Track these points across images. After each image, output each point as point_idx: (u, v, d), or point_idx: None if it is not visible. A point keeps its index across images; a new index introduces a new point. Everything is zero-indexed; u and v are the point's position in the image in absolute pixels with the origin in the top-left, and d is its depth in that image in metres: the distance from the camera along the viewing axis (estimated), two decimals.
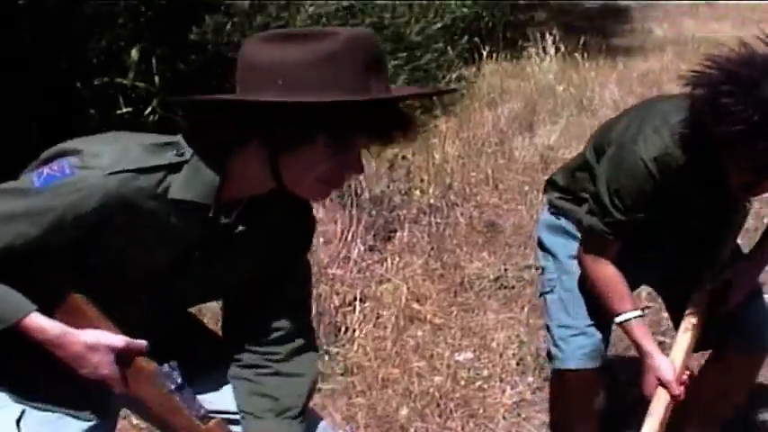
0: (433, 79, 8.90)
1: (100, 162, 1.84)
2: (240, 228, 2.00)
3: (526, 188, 6.69)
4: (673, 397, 2.85)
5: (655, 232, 2.97)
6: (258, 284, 2.14)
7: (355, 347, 4.36)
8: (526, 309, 4.83)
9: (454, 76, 9.39)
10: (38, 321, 1.88)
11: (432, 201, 6.17)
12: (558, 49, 10.97)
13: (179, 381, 1.96)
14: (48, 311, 1.90)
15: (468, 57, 10.39)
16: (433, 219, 5.89)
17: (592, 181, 2.97)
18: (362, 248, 5.35)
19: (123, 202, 1.85)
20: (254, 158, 1.88)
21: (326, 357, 4.24)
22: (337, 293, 4.79)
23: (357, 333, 4.48)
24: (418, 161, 6.83)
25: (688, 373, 2.91)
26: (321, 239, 5.28)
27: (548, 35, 11.20)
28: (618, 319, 2.95)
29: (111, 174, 1.83)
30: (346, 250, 5.29)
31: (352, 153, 1.87)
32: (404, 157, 6.73)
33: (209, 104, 1.98)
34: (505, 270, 5.38)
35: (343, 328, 4.51)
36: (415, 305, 4.83)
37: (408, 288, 4.92)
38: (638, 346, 2.94)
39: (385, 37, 8.25)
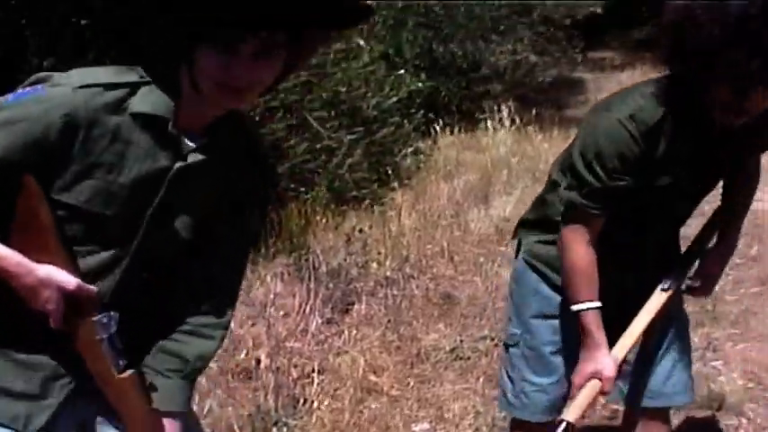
0: (389, 153, 9.01)
1: (69, 80, 1.93)
2: (200, 157, 2.05)
3: (481, 260, 6.79)
4: (603, 392, 2.85)
5: (637, 229, 2.94)
6: (204, 228, 2.17)
7: (314, 419, 4.41)
8: (482, 379, 4.90)
9: (410, 149, 9.50)
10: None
11: (388, 273, 6.25)
12: (513, 122, 11.18)
13: (111, 332, 2.04)
14: (16, 234, 1.98)
15: (424, 130, 10.52)
16: (389, 291, 5.96)
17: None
18: (320, 321, 5.43)
19: (88, 116, 1.92)
20: (185, 75, 1.96)
21: (285, 430, 4.29)
22: (295, 366, 4.85)
23: (315, 405, 4.53)
24: (375, 234, 6.92)
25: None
26: (280, 313, 5.36)
27: (503, 107, 11.40)
28: (576, 307, 2.88)
29: (78, 88, 1.92)
30: (304, 323, 5.36)
31: (236, 52, 1.87)
32: (360, 230, 6.83)
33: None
34: (461, 341, 5.44)
35: (301, 401, 4.56)
36: (372, 377, 4.90)
37: (366, 360, 4.99)
38: (588, 336, 2.85)
39: (342, 111, 8.35)
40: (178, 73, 1.98)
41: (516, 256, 3.26)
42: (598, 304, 2.85)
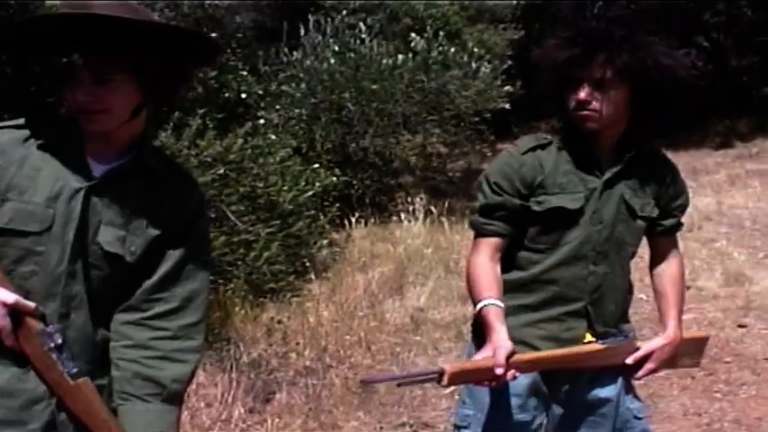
0: (305, 245, 9.18)
1: None
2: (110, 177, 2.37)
3: (398, 349, 6.96)
4: (494, 376, 2.85)
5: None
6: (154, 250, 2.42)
7: None
8: None
9: (325, 242, 9.69)
10: None
11: (308, 363, 6.39)
12: (425, 214, 11.46)
13: (58, 342, 2.24)
14: None
15: (339, 222, 10.74)
16: (309, 380, 6.10)
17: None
18: (243, 410, 5.54)
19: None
20: None
21: None
22: None
23: None
24: (293, 325, 7.09)
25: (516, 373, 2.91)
26: (202, 403, 5.46)
27: (416, 200, 11.69)
28: (478, 306, 2.98)
29: None
30: (227, 412, 5.47)
31: (77, 81, 2.28)
32: (279, 322, 6.99)
33: None
34: (381, 428, 5.59)
35: None
36: None
37: None
38: (490, 328, 2.93)
39: (259, 205, 8.53)
40: None
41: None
42: (497, 302, 2.97)
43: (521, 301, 3.14)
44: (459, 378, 2.91)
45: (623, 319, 3.27)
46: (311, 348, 6.66)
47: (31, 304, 2.24)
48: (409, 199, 11.81)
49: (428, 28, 12.39)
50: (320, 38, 11.83)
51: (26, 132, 2.35)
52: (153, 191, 2.40)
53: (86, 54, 2.25)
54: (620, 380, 3.22)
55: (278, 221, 8.66)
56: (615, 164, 3.12)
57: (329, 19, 12.14)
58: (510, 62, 14.26)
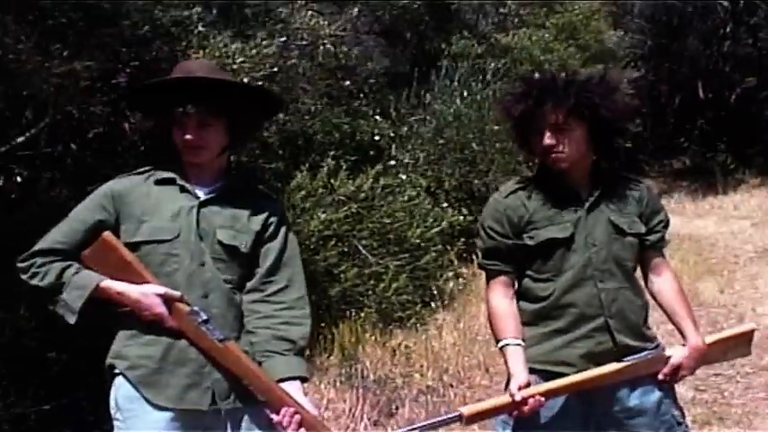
0: (432, 277, 9.74)
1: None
2: (211, 196, 3.28)
3: None
4: (514, 403, 3.25)
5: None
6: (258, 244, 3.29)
7: None
8: None
9: (451, 274, 10.23)
10: (107, 283, 3.08)
11: (429, 383, 6.95)
12: None
13: (204, 317, 3.09)
14: (117, 275, 3.09)
15: (466, 257, 11.25)
16: (430, 398, 6.65)
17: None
18: (368, 423, 6.13)
19: (123, 189, 3.24)
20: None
21: None
22: None
23: None
24: (418, 350, 7.65)
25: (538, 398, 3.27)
26: (331, 415, 6.07)
27: None
28: (499, 345, 3.41)
29: (117, 178, 3.32)
30: (353, 425, 6.06)
31: (181, 124, 3.19)
32: (406, 346, 7.57)
33: None
34: None
35: None
36: None
37: None
38: (507, 365, 3.35)
39: (388, 240, 9.14)
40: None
41: None
42: (512, 341, 3.37)
43: (551, 327, 3.46)
44: (478, 417, 3.36)
45: (648, 328, 3.56)
46: (433, 370, 7.22)
47: (177, 293, 3.09)
48: None
49: (547, 68, 12.89)
50: (449, 82, 12.44)
51: (144, 175, 3.29)
52: (245, 203, 3.29)
53: (196, 105, 3.15)
54: (659, 387, 3.50)
55: (406, 255, 9.23)
56: (594, 191, 3.51)
57: (455, 65, 12.74)
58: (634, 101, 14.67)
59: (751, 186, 21.26)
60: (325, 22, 9.02)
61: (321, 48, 8.99)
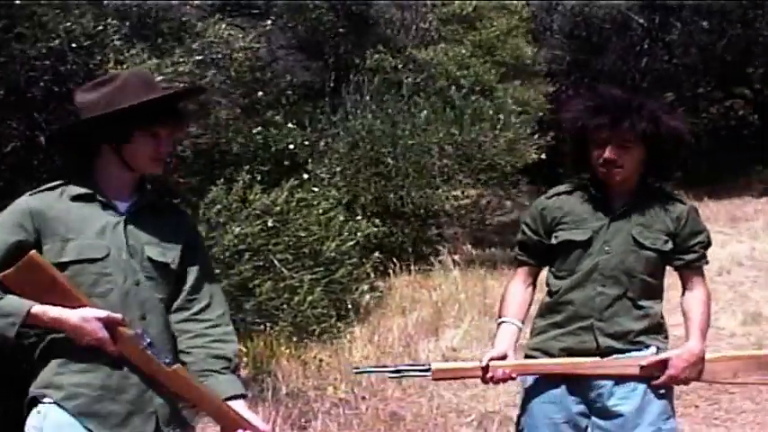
0: (347, 291, 9.76)
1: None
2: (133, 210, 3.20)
3: (425, 383, 7.46)
4: (482, 369, 3.65)
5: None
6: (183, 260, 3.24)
7: None
8: None
9: (366, 287, 10.27)
10: (39, 308, 2.93)
11: (342, 395, 7.00)
12: (469, 262, 12.07)
13: (148, 340, 3.01)
14: (46, 298, 2.94)
15: (383, 270, 11.34)
16: (343, 410, 6.70)
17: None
18: None
19: (41, 207, 3.07)
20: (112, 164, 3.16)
21: None
22: None
23: None
24: (333, 363, 7.70)
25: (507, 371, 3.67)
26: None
27: (456, 248, 12.29)
28: (498, 321, 3.87)
29: (29, 195, 3.13)
30: None
31: (159, 136, 3.14)
32: (320, 360, 7.60)
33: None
34: None
35: None
36: None
37: None
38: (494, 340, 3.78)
39: (303, 253, 9.13)
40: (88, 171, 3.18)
41: None
42: (509, 320, 3.81)
43: (551, 320, 3.82)
44: (445, 375, 3.84)
45: (649, 336, 3.80)
46: (346, 383, 7.26)
47: (119, 316, 2.99)
48: (450, 248, 12.40)
49: (464, 85, 13.06)
50: (359, 97, 12.53)
51: (57, 190, 3.15)
52: (163, 218, 3.24)
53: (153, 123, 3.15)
54: (641, 395, 3.72)
55: (321, 269, 9.24)
56: (627, 203, 3.79)
57: (369, 79, 12.83)
58: (541, 114, 14.94)
59: None
60: (240, 36, 9.03)
61: (235, 61, 8.98)
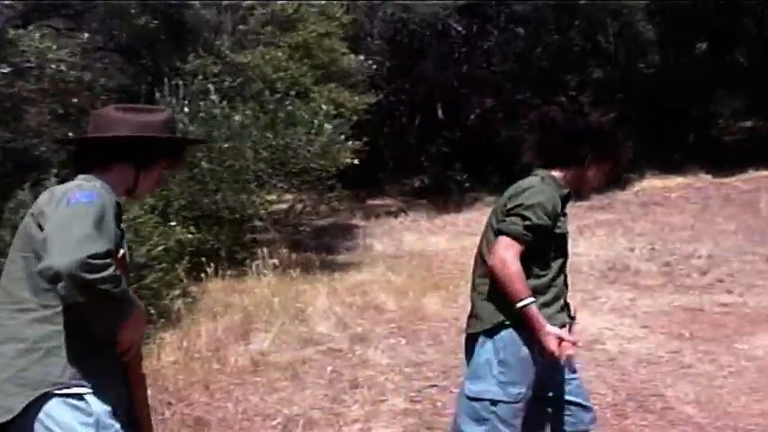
0: (158, 296, 9.67)
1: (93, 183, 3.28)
2: None
3: (232, 387, 7.49)
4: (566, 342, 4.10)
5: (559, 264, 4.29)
6: None
7: None
8: None
9: (178, 292, 10.20)
10: None
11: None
12: (283, 266, 12.10)
13: None
14: None
15: (195, 275, 11.27)
16: None
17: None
18: None
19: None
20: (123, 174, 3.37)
21: None
22: None
23: None
24: None
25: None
26: None
27: (273, 253, 12.31)
28: (520, 304, 4.03)
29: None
30: None
31: (161, 172, 3.46)
32: None
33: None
34: None
35: None
36: None
37: None
38: (535, 322, 4.05)
39: None
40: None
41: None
42: (533, 300, 4.06)
43: (542, 299, 4.16)
44: None
45: None
46: (153, 388, 7.16)
47: None
48: (265, 253, 12.40)
49: (279, 88, 13.10)
50: (175, 100, 12.42)
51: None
52: None
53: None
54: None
55: (132, 274, 9.12)
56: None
57: (184, 83, 12.74)
58: (356, 118, 15.10)
59: (485, 204, 22.17)
60: (54, 46, 8.91)
61: (49, 69, 8.86)
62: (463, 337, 4.51)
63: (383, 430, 6.46)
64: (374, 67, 19.42)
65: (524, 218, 4.12)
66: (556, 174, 4.38)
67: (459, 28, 23.85)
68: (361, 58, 18.27)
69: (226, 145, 11.52)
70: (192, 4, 14.62)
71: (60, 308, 3.02)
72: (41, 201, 3.16)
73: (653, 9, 23.89)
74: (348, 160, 13.19)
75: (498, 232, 4.19)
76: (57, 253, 2.83)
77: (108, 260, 2.85)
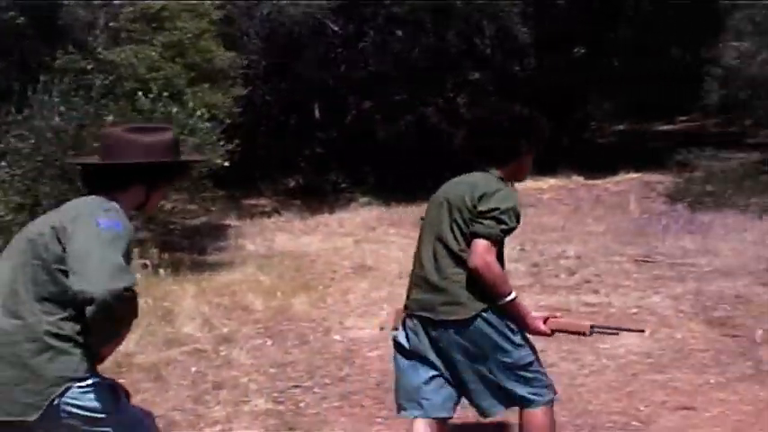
0: None
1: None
2: None
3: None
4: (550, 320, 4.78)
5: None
6: None
7: None
8: None
9: None
10: None
11: None
12: (153, 266, 12.07)
13: None
14: None
15: None
16: None
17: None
18: None
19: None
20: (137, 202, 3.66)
21: None
22: None
23: None
24: None
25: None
26: None
27: (144, 253, 12.28)
28: (508, 299, 4.49)
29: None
30: None
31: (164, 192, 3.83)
32: None
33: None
34: None
35: None
36: None
37: None
38: (522, 309, 4.59)
39: None
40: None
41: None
42: (515, 294, 4.55)
43: None
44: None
45: None
46: None
47: None
48: (134, 252, 12.32)
49: (153, 88, 13.03)
50: (47, 97, 12.30)
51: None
52: None
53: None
54: None
55: None
56: None
57: (58, 80, 12.62)
58: (229, 121, 15.09)
59: (360, 205, 22.34)
60: None
61: None
62: (414, 322, 4.74)
63: (244, 431, 6.52)
64: (246, 63, 19.36)
65: (501, 222, 4.46)
66: (498, 172, 4.69)
67: (336, 28, 23.92)
68: (233, 54, 18.14)
69: (96, 144, 11.40)
70: (64, 3, 14.46)
71: (64, 314, 3.32)
72: (65, 216, 3.39)
73: (529, 13, 24.35)
74: (219, 161, 13.17)
75: (475, 234, 4.48)
76: (94, 280, 3.14)
77: (136, 293, 3.27)
